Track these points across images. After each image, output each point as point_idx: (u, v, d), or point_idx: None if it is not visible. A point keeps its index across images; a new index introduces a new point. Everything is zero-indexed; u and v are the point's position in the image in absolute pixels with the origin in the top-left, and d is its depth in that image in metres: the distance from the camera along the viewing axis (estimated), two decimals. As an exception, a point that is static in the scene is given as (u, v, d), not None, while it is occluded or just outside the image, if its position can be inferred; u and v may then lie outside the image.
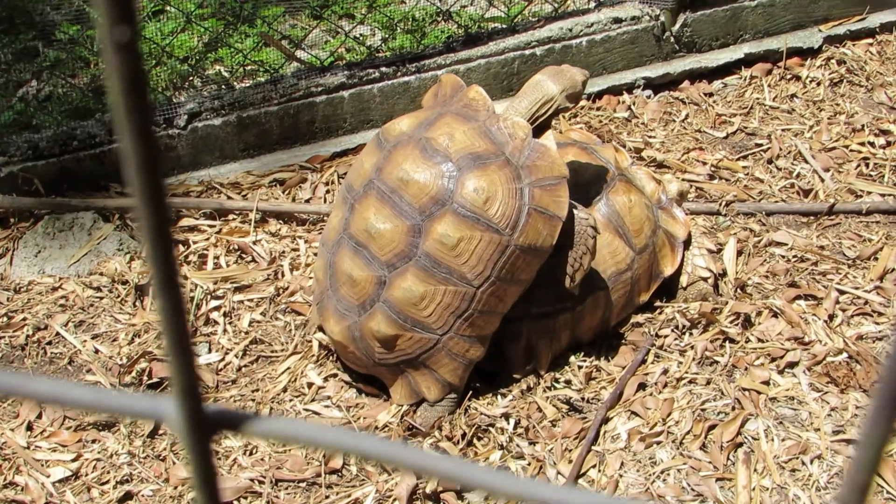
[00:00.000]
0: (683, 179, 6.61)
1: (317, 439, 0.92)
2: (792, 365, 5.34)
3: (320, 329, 5.42)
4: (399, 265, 4.91)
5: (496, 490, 0.90)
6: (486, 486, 0.88)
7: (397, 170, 4.92)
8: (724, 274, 5.87)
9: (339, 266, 5.10)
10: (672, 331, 5.53)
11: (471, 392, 5.18)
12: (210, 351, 5.51)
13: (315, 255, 5.91)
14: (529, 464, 4.87)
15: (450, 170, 4.87)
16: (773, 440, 4.96)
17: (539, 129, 5.11)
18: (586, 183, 5.53)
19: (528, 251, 4.88)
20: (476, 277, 4.86)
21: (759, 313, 5.60)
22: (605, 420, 5.08)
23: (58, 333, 5.58)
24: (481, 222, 4.81)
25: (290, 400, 5.25)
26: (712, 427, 5.03)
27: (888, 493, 4.74)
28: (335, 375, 5.38)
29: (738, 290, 5.78)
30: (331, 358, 5.43)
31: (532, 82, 5.20)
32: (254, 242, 6.12)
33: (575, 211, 5.06)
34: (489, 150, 4.91)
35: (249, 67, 7.22)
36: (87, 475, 4.88)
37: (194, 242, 6.09)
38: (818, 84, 7.74)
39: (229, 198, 6.46)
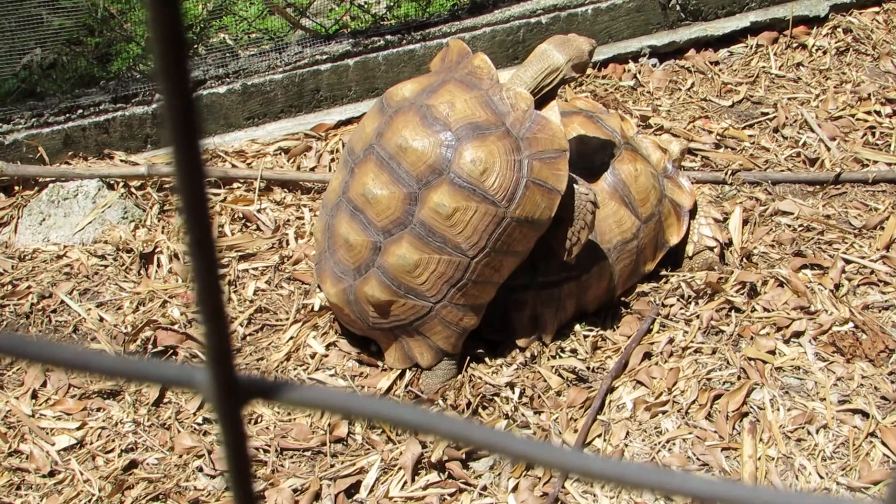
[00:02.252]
0: (688, 147, 6.59)
1: (350, 407, 0.91)
2: (798, 334, 5.33)
3: (320, 288, 5.43)
4: (394, 232, 4.91)
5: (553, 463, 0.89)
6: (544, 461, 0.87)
7: (397, 136, 4.91)
8: (729, 243, 5.85)
9: (336, 229, 5.10)
10: (678, 300, 5.53)
11: (475, 361, 5.19)
12: (215, 319, 5.50)
13: (320, 223, 5.92)
14: (535, 433, 4.87)
15: (448, 139, 4.85)
16: (778, 410, 4.95)
17: (544, 99, 5.09)
18: (592, 152, 5.51)
19: (524, 223, 4.86)
20: (471, 248, 4.85)
21: (764, 283, 5.59)
22: (611, 389, 5.08)
23: (63, 301, 5.58)
24: (477, 193, 4.80)
25: (294, 369, 5.25)
26: (718, 397, 5.02)
27: (894, 462, 4.74)
28: (336, 344, 5.38)
29: (744, 260, 5.77)
30: (333, 328, 5.43)
31: (538, 51, 5.17)
32: (258, 211, 6.11)
33: (575, 185, 5.04)
34: (490, 120, 4.89)
35: (254, 35, 7.20)
36: (91, 443, 4.89)
37: (199, 211, 6.07)
38: (824, 53, 7.71)
39: (234, 166, 6.46)
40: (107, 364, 0.92)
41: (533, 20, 7.31)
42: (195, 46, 7.04)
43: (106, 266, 5.78)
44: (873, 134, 6.92)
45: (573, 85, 7.22)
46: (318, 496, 4.64)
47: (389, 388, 5.15)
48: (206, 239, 0.86)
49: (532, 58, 5.16)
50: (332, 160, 6.55)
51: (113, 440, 4.90)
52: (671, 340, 5.30)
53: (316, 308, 5.51)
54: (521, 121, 4.90)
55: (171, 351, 5.34)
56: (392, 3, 7.47)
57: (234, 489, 0.96)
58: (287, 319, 5.53)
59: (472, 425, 0.88)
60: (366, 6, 7.44)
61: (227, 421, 0.93)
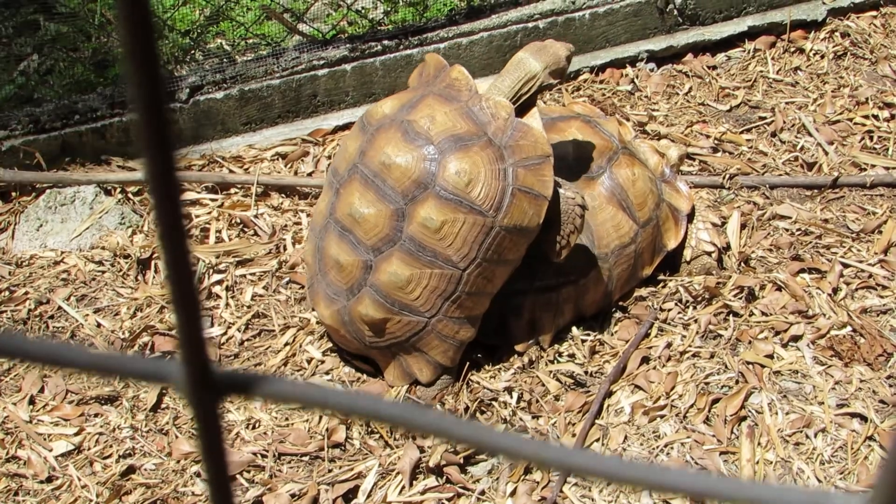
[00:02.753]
0: (687, 153, 6.58)
1: (327, 401, 0.90)
2: (796, 338, 5.33)
3: (315, 311, 5.42)
4: (384, 249, 4.90)
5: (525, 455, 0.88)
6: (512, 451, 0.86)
7: (380, 154, 4.90)
8: (727, 247, 5.85)
9: (326, 251, 5.09)
10: (676, 304, 5.52)
11: (473, 366, 5.18)
12: (212, 325, 5.50)
13: (317, 228, 5.91)
14: (532, 438, 4.85)
15: (431, 153, 4.85)
16: (776, 414, 4.95)
17: (524, 107, 5.08)
18: (589, 157, 5.51)
19: (513, 232, 4.86)
20: (462, 260, 4.84)
21: (762, 287, 5.59)
22: (609, 394, 5.07)
23: (60, 307, 5.57)
24: (464, 205, 4.79)
25: (292, 374, 5.25)
26: (716, 401, 5.02)
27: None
28: (333, 349, 5.38)
29: (742, 264, 5.77)
30: (328, 334, 5.43)
31: (515, 60, 5.17)
32: (255, 216, 6.10)
33: (561, 190, 5.03)
34: (471, 131, 4.88)
35: (251, 41, 7.19)
36: (89, 449, 4.88)
37: (196, 216, 6.08)
38: (822, 57, 7.70)
39: (231, 171, 6.45)
40: (79, 358, 0.91)
41: (530, 25, 7.31)
42: (192, 52, 7.04)
43: (103, 272, 5.78)
44: (871, 138, 6.91)
45: (570, 89, 7.23)
46: (315, 501, 4.64)
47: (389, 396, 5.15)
48: (176, 228, 0.85)
49: (509, 66, 5.15)
50: (330, 165, 6.54)
51: (111, 445, 4.90)
52: (669, 345, 5.30)
53: (313, 322, 5.50)
54: (503, 129, 4.89)
55: (170, 356, 5.33)
56: (389, 9, 7.47)
57: (211, 486, 0.95)
58: (285, 325, 5.52)
59: (441, 417, 0.87)
60: (363, 11, 7.43)
61: (203, 415, 0.92)
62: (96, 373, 0.89)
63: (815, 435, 4.86)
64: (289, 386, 0.90)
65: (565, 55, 5.18)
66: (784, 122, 7.02)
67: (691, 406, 5.00)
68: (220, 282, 5.72)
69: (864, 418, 4.93)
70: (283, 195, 6.29)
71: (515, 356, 5.24)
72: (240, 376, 0.91)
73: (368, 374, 5.28)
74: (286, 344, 5.40)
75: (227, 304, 5.61)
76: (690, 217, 5.75)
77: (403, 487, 4.67)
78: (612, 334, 5.42)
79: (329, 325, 5.20)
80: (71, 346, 0.91)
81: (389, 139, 4.93)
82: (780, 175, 6.55)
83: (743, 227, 6.02)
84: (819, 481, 4.66)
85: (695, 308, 5.50)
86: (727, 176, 6.40)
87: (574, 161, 5.42)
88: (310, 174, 6.50)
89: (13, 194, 6.20)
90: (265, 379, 0.90)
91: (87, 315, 5.53)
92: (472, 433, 0.87)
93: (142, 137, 0.83)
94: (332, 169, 5.23)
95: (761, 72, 7.56)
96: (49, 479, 4.76)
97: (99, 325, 5.47)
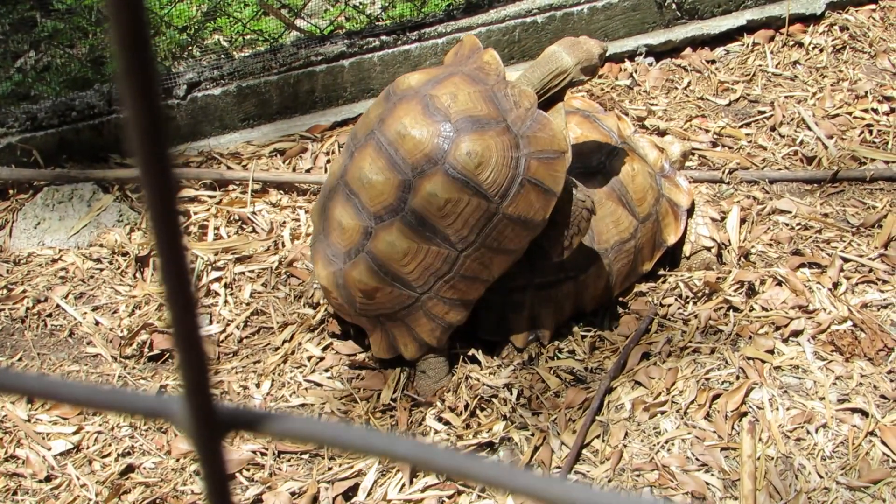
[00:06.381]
0: (691, 149, 6.57)
1: (338, 440, 0.88)
2: (796, 333, 5.31)
3: (310, 269, 5.43)
4: (386, 218, 4.90)
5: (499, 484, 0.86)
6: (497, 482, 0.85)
7: (397, 123, 4.91)
8: (727, 242, 5.83)
9: (331, 212, 5.10)
10: (676, 300, 5.51)
11: (473, 362, 5.17)
12: (211, 322, 5.49)
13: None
14: (533, 434, 4.85)
15: (447, 130, 4.84)
16: (777, 409, 4.94)
17: (551, 101, 5.08)
18: (589, 152, 5.50)
19: (517, 222, 4.85)
20: (460, 241, 4.84)
21: (762, 282, 5.57)
22: (609, 390, 5.06)
23: (58, 305, 5.56)
24: (470, 186, 4.79)
25: (291, 371, 5.24)
26: (717, 396, 5.01)
27: (894, 461, 4.72)
28: (332, 347, 5.37)
29: (742, 259, 5.75)
30: (328, 330, 5.42)
31: (547, 53, 5.17)
32: (253, 213, 6.09)
33: (574, 190, 5.02)
34: (491, 115, 4.88)
35: (249, 37, 7.18)
36: (88, 448, 4.87)
37: (194, 213, 6.06)
38: (821, 51, 7.69)
39: (229, 168, 6.44)
40: (78, 394, 0.89)
41: (528, 20, 7.29)
42: (189, 48, 7.02)
43: (101, 269, 5.77)
44: (870, 132, 6.90)
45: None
46: (315, 499, 4.63)
47: (385, 392, 5.14)
48: (178, 260, 0.82)
49: (541, 59, 5.16)
50: (328, 161, 6.53)
51: (109, 444, 4.89)
52: (669, 340, 5.28)
53: (312, 318, 5.49)
54: (523, 119, 4.89)
55: (168, 354, 5.32)
56: (387, 4, 7.45)
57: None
58: (284, 322, 5.51)
59: (471, 459, 0.85)
60: (360, 7, 7.42)
61: (207, 453, 0.89)
62: (96, 408, 0.88)
63: (816, 430, 4.85)
64: (295, 423, 0.88)
65: (598, 53, 5.18)
66: (783, 117, 7.00)
67: (692, 402, 4.98)
68: (218, 279, 5.70)
69: (865, 413, 4.92)
70: (281, 192, 6.28)
71: (515, 352, 5.23)
72: (245, 413, 0.89)
73: (366, 369, 5.26)
74: (285, 341, 5.39)
75: (226, 302, 5.60)
76: (690, 212, 5.74)
77: (404, 485, 4.67)
78: (613, 330, 5.41)
79: (324, 287, 5.21)
80: (72, 383, 0.89)
81: (409, 110, 4.93)
82: (780, 169, 6.54)
83: (743, 221, 6.01)
84: (820, 477, 4.66)
85: (695, 303, 5.49)
86: (727, 170, 6.39)
87: (573, 156, 5.41)
88: (308, 170, 6.49)
89: (11, 192, 6.19)
90: (271, 416, 0.88)
91: (86, 313, 5.51)
92: (492, 473, 0.85)
93: (136, 143, 0.81)
94: (353, 133, 5.25)
95: (760, 66, 7.54)
96: (48, 479, 4.75)
97: (97, 323, 5.46)
